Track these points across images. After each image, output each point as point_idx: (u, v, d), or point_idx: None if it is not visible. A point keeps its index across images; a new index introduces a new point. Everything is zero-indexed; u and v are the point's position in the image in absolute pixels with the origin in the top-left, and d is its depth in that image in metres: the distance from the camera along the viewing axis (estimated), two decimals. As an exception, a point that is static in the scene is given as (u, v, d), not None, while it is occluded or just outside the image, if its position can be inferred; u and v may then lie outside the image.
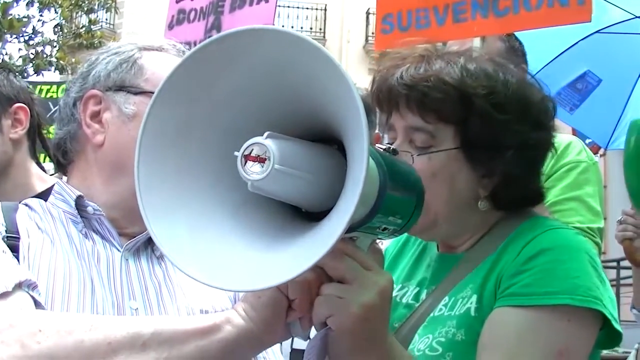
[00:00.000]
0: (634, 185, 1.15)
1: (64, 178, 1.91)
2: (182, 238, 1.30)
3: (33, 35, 15.77)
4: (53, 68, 15.31)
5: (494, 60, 1.92)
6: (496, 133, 1.81)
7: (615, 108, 5.36)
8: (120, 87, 1.82)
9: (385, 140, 1.93)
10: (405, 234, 2.14)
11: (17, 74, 3.14)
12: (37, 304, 1.50)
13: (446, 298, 1.86)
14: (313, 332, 1.39)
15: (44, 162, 3.26)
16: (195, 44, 2.93)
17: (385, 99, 1.90)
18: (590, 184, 3.39)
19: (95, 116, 1.81)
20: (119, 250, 1.76)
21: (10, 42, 15.44)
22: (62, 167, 1.90)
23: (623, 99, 5.37)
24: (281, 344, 1.81)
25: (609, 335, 1.77)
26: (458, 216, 1.87)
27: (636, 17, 5.10)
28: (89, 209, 1.76)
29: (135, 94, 1.80)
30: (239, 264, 1.27)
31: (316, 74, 1.21)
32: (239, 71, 1.29)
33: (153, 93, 1.75)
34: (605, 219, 3.62)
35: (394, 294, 2.01)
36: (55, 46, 16.04)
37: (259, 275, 1.24)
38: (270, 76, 1.28)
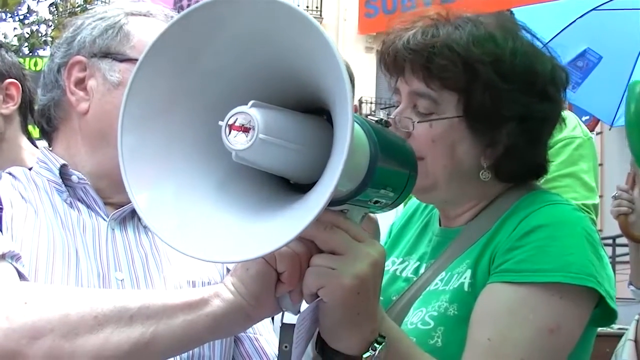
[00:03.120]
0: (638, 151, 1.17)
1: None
2: (166, 209, 1.27)
3: (28, 15, 15.73)
4: (48, 47, 15.27)
5: (504, 27, 1.88)
6: (499, 103, 1.79)
7: (618, 84, 5.35)
8: (106, 54, 1.77)
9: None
10: (413, 207, 2.17)
11: (10, 50, 3.14)
12: (21, 276, 1.48)
13: (443, 273, 1.85)
14: (303, 307, 1.38)
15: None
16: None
17: (391, 62, 1.88)
18: (585, 159, 3.38)
19: (80, 83, 1.77)
20: (104, 219, 1.73)
21: (5, 21, 15.40)
22: (46, 134, 1.86)
23: (625, 75, 5.36)
24: (272, 318, 1.81)
25: (604, 313, 1.75)
26: (458, 184, 1.86)
27: None
28: (74, 177, 1.73)
29: (121, 61, 1.76)
30: (224, 235, 1.25)
31: (300, 42, 1.18)
32: (223, 40, 1.26)
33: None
34: (601, 196, 3.63)
35: (395, 267, 2.03)
36: (51, 25, 16.00)
37: (243, 246, 1.22)
38: (255, 44, 1.25)
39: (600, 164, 5.19)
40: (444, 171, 1.82)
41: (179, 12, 1.36)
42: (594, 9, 5.21)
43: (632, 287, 3.94)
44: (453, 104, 1.80)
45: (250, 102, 1.19)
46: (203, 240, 1.24)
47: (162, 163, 1.30)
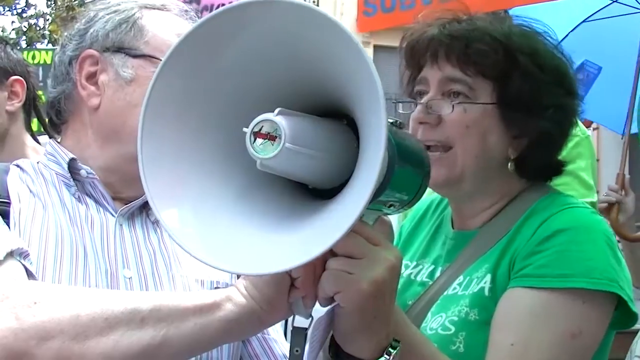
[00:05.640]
0: None
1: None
2: (189, 218, 1.26)
3: (26, 8, 15.72)
4: (46, 41, 15.24)
5: (532, 29, 1.92)
6: (537, 93, 1.82)
7: (622, 92, 5.31)
8: (119, 49, 1.73)
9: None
10: (423, 209, 2.17)
11: (15, 47, 3.16)
12: (29, 274, 1.46)
13: (461, 277, 1.85)
14: (315, 311, 1.37)
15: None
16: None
17: (422, 49, 1.89)
18: (583, 157, 3.41)
19: (92, 77, 1.73)
20: (113, 215, 1.70)
21: (3, 15, 15.37)
22: (55, 127, 1.83)
23: (628, 81, 5.33)
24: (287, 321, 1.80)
25: (624, 316, 1.76)
26: (484, 176, 1.87)
27: (614, 1, 5.10)
28: (82, 172, 1.70)
29: (134, 56, 1.72)
30: (248, 246, 1.24)
31: (328, 48, 1.16)
32: (246, 44, 1.24)
33: (153, 57, 1.70)
34: (597, 192, 3.64)
35: (409, 271, 2.03)
36: (48, 19, 15.96)
37: (270, 258, 1.20)
38: (279, 49, 1.23)
39: (597, 160, 5.19)
40: (474, 161, 1.83)
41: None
42: (584, 21, 5.19)
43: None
44: (488, 91, 1.83)
45: (277, 110, 1.17)
46: (227, 251, 1.23)
47: (183, 170, 1.29)
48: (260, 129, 1.17)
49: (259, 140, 1.17)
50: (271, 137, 1.16)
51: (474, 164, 1.83)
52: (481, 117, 1.82)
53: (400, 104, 1.94)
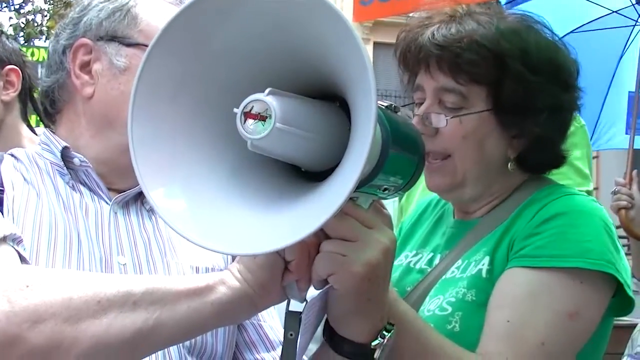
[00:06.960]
0: None
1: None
2: (179, 199, 1.26)
3: (24, 4, 15.72)
4: (44, 37, 15.25)
5: (523, 21, 1.91)
6: (530, 95, 1.81)
7: (592, 110, 5.27)
8: (112, 38, 1.73)
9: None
10: (424, 205, 2.19)
11: (9, 37, 3.14)
12: (22, 259, 1.45)
13: (459, 261, 1.86)
14: (309, 294, 1.37)
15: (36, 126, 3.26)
16: None
17: (414, 58, 1.89)
18: (578, 147, 3.41)
19: (85, 66, 1.73)
20: (107, 203, 1.70)
21: (1, 11, 15.39)
22: (49, 116, 1.83)
23: (599, 100, 5.30)
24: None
25: (622, 302, 1.78)
26: (486, 177, 1.88)
27: (613, 12, 5.07)
28: (75, 160, 1.70)
29: (128, 45, 1.72)
30: (239, 226, 1.24)
31: (319, 29, 1.16)
32: (236, 25, 1.23)
33: (146, 46, 1.69)
34: (596, 188, 3.65)
35: (409, 260, 2.04)
36: (46, 15, 15.97)
37: (260, 238, 1.20)
38: (269, 30, 1.23)
39: (597, 156, 5.16)
40: (474, 167, 1.85)
41: None
42: (571, 32, 5.11)
43: (634, 280, 4.00)
44: (482, 97, 1.83)
45: (267, 90, 1.17)
46: (218, 231, 1.23)
47: (173, 152, 1.29)
48: (251, 109, 1.16)
49: (250, 121, 1.16)
50: (262, 118, 1.15)
51: (474, 170, 1.85)
52: (477, 125, 1.83)
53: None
